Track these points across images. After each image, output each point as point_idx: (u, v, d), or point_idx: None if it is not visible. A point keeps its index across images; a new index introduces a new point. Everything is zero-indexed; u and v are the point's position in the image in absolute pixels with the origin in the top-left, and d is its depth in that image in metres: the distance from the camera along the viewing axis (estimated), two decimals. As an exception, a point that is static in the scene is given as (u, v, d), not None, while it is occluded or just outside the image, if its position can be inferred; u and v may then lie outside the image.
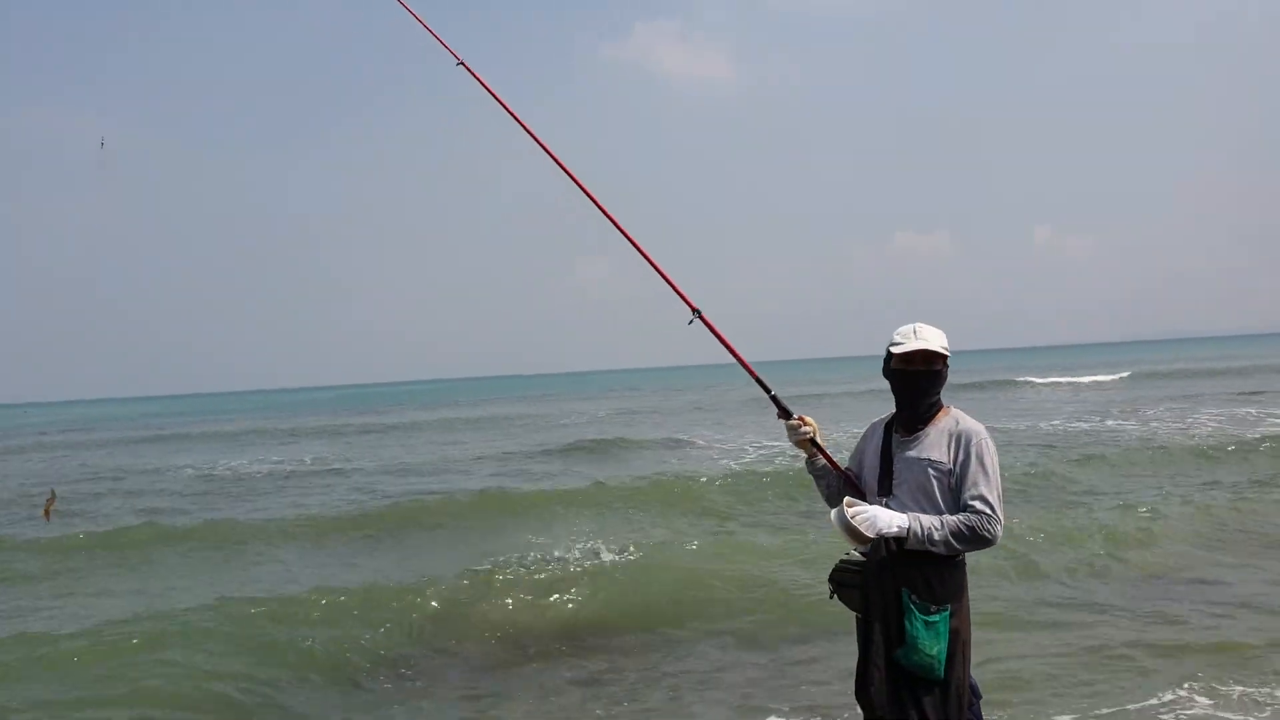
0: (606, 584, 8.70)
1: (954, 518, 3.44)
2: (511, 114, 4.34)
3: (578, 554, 9.89)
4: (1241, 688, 5.65)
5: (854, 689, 3.62)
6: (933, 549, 3.42)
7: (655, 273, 4.07)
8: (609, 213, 4.19)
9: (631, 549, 9.93)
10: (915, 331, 3.59)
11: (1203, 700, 5.53)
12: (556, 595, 8.34)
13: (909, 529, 3.41)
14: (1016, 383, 42.84)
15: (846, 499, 3.52)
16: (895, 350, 3.58)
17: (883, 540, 3.44)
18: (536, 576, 8.87)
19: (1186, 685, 5.71)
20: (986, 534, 3.42)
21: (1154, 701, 5.54)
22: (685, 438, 23.37)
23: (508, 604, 8.13)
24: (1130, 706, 5.49)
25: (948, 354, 3.59)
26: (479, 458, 21.47)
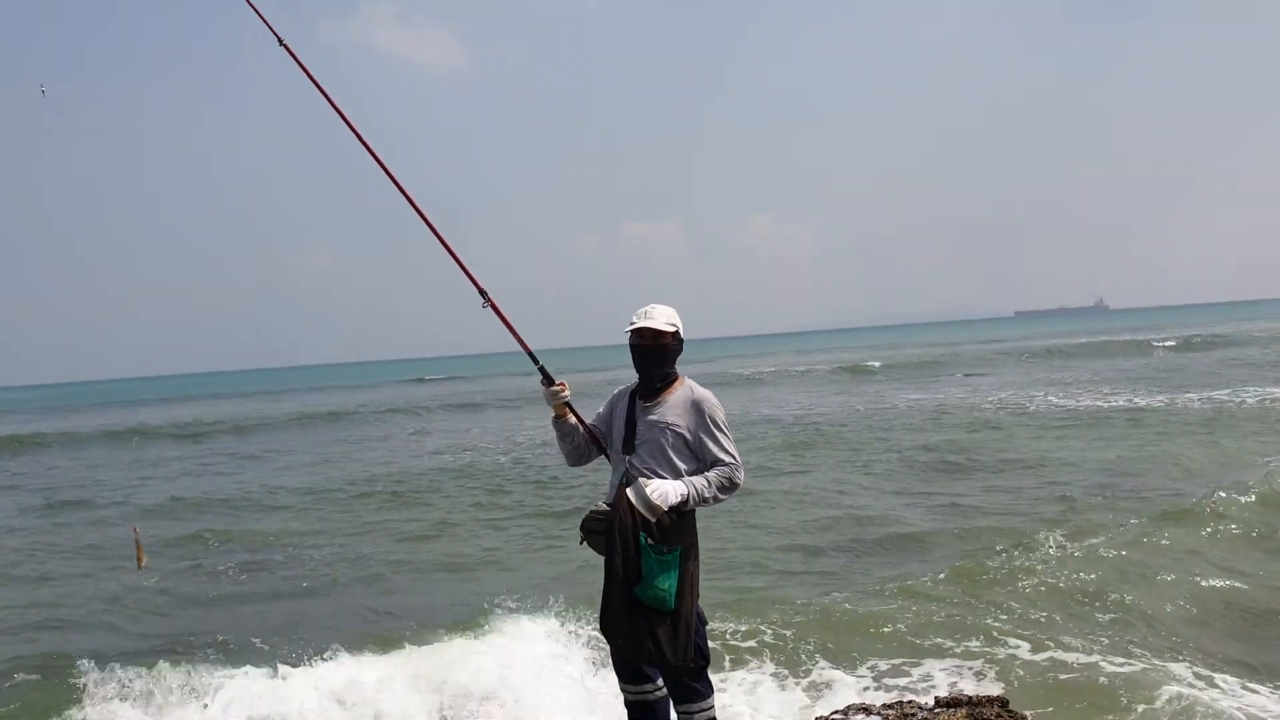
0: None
1: (713, 473, 4.11)
2: (328, 98, 4.61)
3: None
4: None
5: (598, 621, 4.19)
6: (704, 505, 4.10)
7: (449, 257, 4.51)
8: (415, 201, 4.56)
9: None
10: (645, 313, 4.22)
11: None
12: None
13: (687, 494, 4.05)
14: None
15: (641, 479, 4.07)
16: (629, 329, 4.22)
17: (619, 485, 4.08)
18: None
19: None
20: (737, 480, 4.15)
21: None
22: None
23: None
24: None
25: (675, 329, 4.20)
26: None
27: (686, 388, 4.25)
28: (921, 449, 15.49)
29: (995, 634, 6.62)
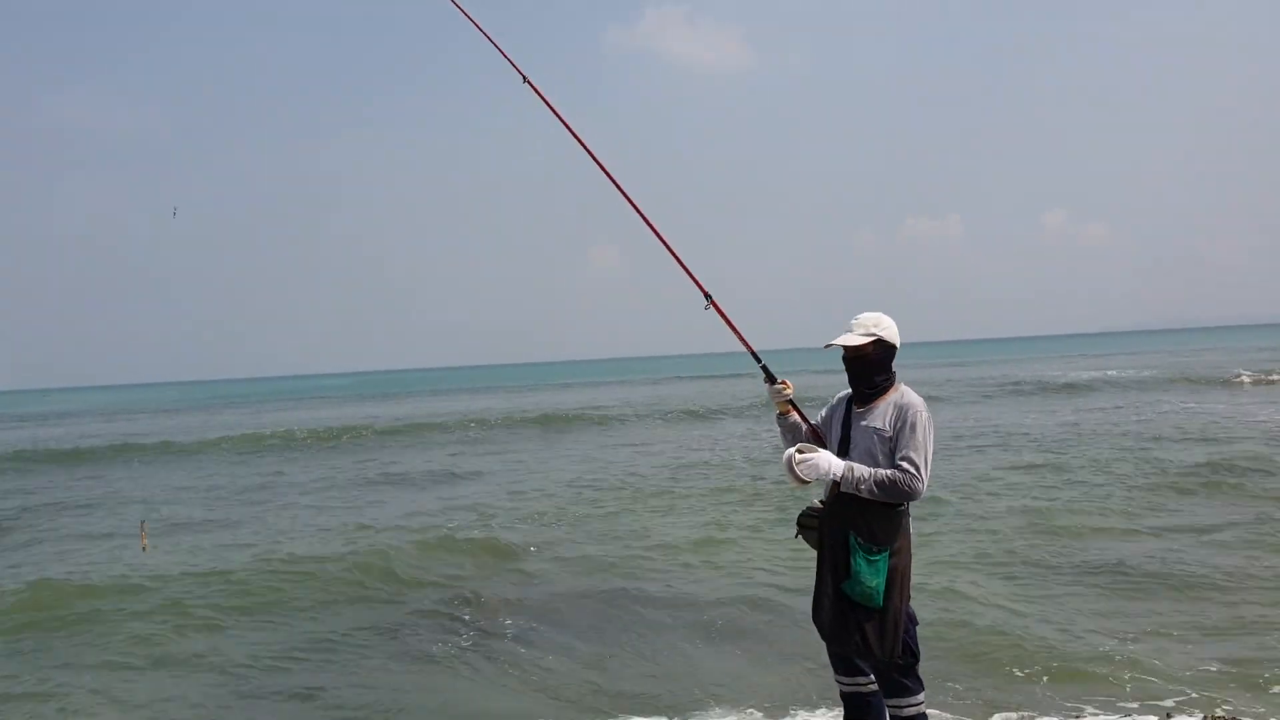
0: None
1: (883, 471, 4.17)
2: (568, 127, 5.03)
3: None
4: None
5: (810, 613, 4.43)
6: (859, 493, 4.18)
7: (672, 260, 4.80)
8: (642, 210, 4.91)
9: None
10: (852, 326, 4.37)
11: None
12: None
13: (842, 475, 4.18)
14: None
15: (800, 444, 4.29)
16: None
17: (832, 484, 4.23)
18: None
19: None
20: (907, 488, 4.14)
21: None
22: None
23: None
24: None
25: (875, 338, 4.31)
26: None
27: (899, 393, 4.35)
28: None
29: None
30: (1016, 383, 38.86)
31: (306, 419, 37.77)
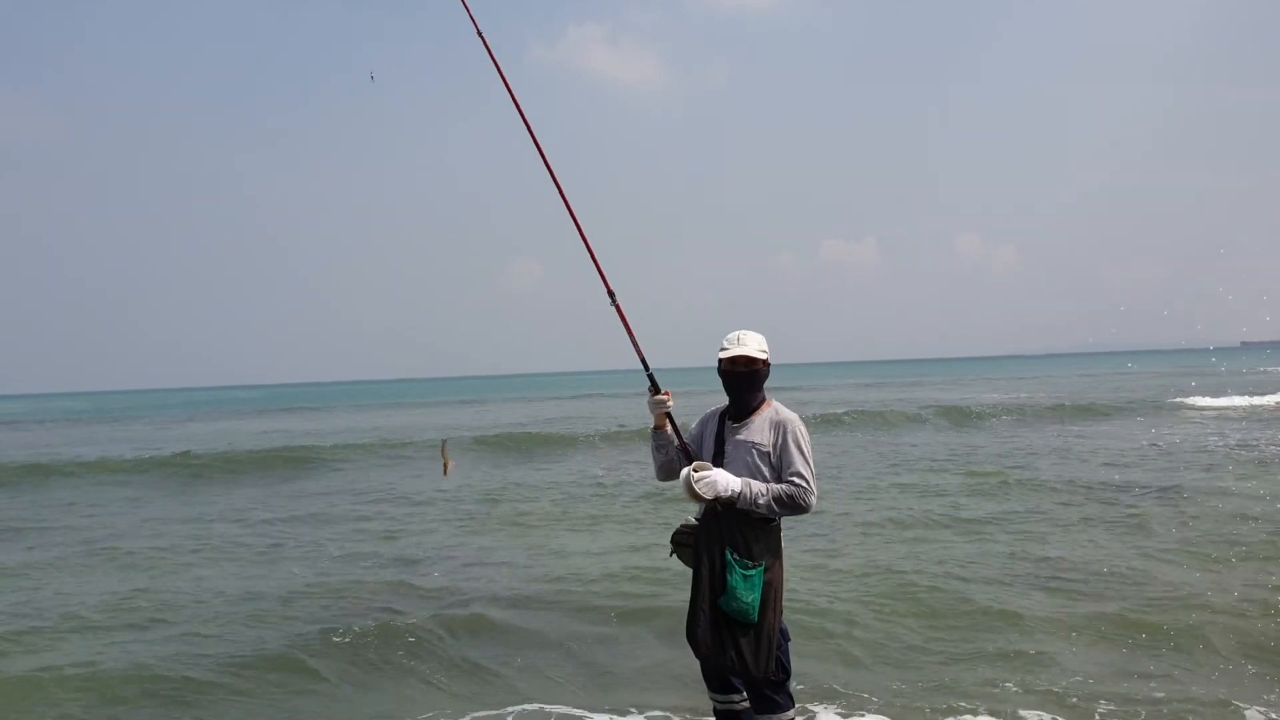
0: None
1: (778, 486, 4.22)
2: (508, 87, 4.92)
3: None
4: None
5: (685, 631, 4.42)
6: (756, 510, 4.20)
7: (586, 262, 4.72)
8: (564, 192, 4.82)
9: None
10: (739, 339, 4.38)
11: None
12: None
13: (740, 493, 4.19)
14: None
15: (697, 463, 4.28)
16: (721, 355, 4.38)
17: (715, 502, 4.22)
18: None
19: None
20: (802, 502, 4.21)
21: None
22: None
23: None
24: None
25: (766, 356, 4.39)
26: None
27: (773, 409, 4.41)
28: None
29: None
30: (934, 405, 39.53)
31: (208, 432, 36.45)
